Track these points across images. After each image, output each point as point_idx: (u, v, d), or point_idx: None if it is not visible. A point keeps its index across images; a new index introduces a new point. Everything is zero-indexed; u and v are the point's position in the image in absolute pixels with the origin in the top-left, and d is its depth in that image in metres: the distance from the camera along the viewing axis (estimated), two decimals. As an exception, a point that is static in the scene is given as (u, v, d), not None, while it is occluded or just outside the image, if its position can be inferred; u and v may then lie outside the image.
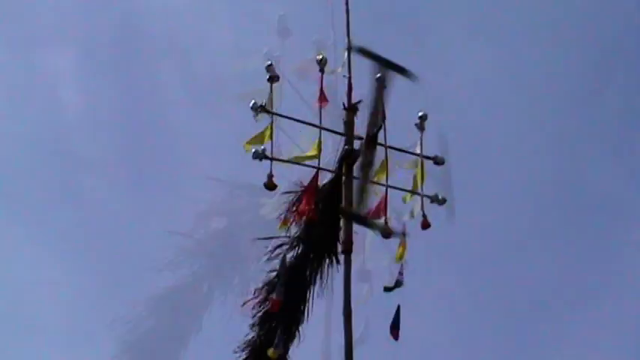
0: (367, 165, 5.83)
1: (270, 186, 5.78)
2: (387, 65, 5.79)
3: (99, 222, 18.08)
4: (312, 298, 5.78)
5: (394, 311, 5.63)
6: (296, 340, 5.77)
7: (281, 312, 5.70)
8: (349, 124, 6.07)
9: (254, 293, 5.76)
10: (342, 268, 5.67)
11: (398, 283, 5.77)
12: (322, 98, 6.04)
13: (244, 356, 5.78)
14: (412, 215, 6.02)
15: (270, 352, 5.46)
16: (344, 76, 6.09)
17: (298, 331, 5.78)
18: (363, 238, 5.83)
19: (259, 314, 5.73)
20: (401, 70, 5.86)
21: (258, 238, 5.82)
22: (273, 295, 5.69)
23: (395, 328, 5.61)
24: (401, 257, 5.86)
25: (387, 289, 5.79)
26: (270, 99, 5.84)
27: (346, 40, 6.15)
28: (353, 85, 6.11)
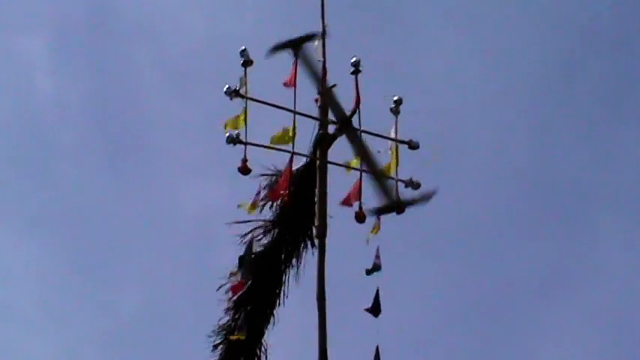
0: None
1: (245, 170, 5.79)
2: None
3: (72, 206, 17.96)
4: (287, 282, 5.82)
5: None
6: (270, 323, 5.82)
7: (254, 295, 5.75)
8: (323, 109, 6.08)
9: (228, 277, 5.77)
10: (316, 251, 5.70)
11: (375, 267, 5.81)
12: (291, 80, 6.01)
13: (218, 340, 5.83)
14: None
15: (235, 336, 5.52)
16: (318, 60, 6.07)
17: (273, 314, 5.82)
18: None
19: (233, 299, 5.76)
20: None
21: (234, 222, 5.83)
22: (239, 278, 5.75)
23: (375, 310, 5.67)
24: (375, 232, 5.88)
25: (368, 272, 5.81)
26: (244, 83, 5.85)
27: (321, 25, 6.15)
28: (327, 70, 6.09)
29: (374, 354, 5.53)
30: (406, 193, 6.12)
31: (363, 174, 5.98)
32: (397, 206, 5.82)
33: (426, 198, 5.91)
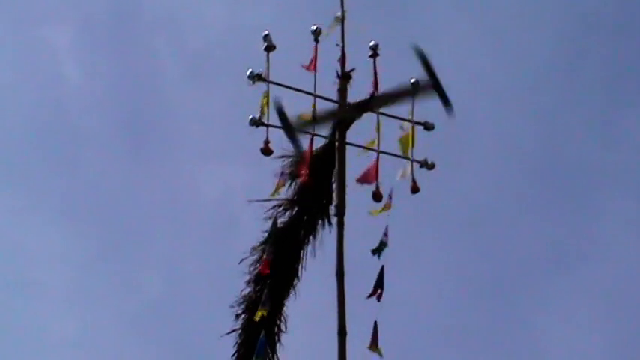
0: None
1: (267, 151, 6.06)
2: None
3: (98, 191, 18.75)
4: (306, 258, 6.07)
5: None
6: (290, 296, 6.08)
7: (274, 270, 6.01)
8: (342, 92, 6.30)
9: (250, 252, 6.04)
10: (334, 230, 5.95)
11: (382, 244, 6.00)
12: (312, 65, 6.25)
13: (240, 310, 6.10)
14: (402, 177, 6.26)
15: (258, 313, 5.76)
16: (337, 45, 6.28)
17: (293, 288, 6.09)
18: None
19: (255, 271, 6.02)
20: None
21: (255, 200, 6.08)
22: (264, 255, 6.02)
23: (378, 289, 5.87)
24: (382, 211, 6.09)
25: (374, 251, 6.01)
26: (267, 68, 6.09)
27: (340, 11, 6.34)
28: (346, 55, 6.29)
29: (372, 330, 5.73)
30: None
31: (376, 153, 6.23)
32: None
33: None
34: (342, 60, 6.29)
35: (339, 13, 6.20)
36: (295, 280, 6.01)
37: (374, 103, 6.05)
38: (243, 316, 6.08)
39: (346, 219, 5.91)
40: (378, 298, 5.79)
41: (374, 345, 5.58)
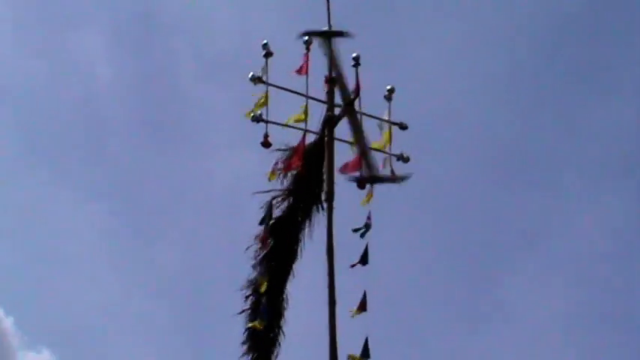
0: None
1: (266, 144, 6.93)
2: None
3: (125, 175, 22.49)
4: (304, 240, 6.96)
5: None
6: (290, 276, 6.96)
7: (276, 253, 6.88)
8: (330, 94, 7.19)
9: (255, 238, 6.90)
10: (325, 213, 6.85)
11: (367, 226, 6.93)
12: (303, 69, 7.13)
13: (248, 292, 6.95)
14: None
15: (260, 287, 6.64)
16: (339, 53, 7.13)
17: (292, 268, 6.96)
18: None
19: (259, 256, 6.89)
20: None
21: (259, 192, 6.96)
22: (262, 234, 6.89)
23: (363, 262, 6.80)
24: (367, 201, 7.03)
25: (355, 230, 6.91)
26: (265, 71, 6.95)
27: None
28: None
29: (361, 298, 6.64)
30: (388, 170, 7.31)
31: (359, 149, 7.13)
32: (374, 180, 7.02)
33: (399, 179, 7.13)
34: (330, 66, 7.16)
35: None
36: (296, 260, 6.89)
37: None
38: (251, 297, 6.93)
39: (335, 204, 6.82)
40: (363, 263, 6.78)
41: (361, 309, 6.53)
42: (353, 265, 6.77)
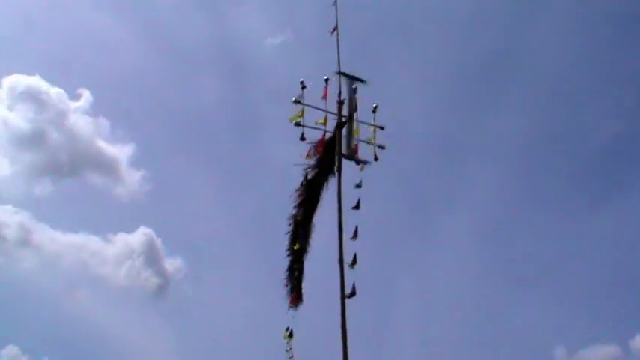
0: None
1: (302, 139, 11.97)
2: None
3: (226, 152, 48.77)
4: (324, 192, 12.06)
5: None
6: (315, 213, 12.03)
7: (307, 199, 11.96)
8: (339, 111, 12.27)
9: (296, 191, 12.01)
10: (336, 177, 11.91)
11: (359, 185, 12.03)
12: (325, 94, 12.21)
13: (290, 224, 12.06)
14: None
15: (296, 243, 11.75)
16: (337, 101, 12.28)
17: (316, 209, 12.03)
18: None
19: (298, 201, 11.98)
20: None
21: (297, 165, 12.05)
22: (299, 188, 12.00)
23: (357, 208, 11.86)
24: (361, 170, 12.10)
25: (357, 186, 12.03)
26: (302, 96, 11.98)
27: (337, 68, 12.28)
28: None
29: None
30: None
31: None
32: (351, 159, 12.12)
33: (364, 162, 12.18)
34: (339, 92, 12.24)
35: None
36: (320, 201, 11.98)
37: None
38: (291, 226, 12.08)
39: (343, 173, 11.90)
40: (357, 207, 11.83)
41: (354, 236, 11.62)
42: (354, 207, 11.87)
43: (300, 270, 12.03)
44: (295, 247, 11.90)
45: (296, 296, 12.11)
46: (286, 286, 12.26)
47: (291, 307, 12.16)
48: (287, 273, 12.26)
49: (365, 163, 12.12)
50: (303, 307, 12.20)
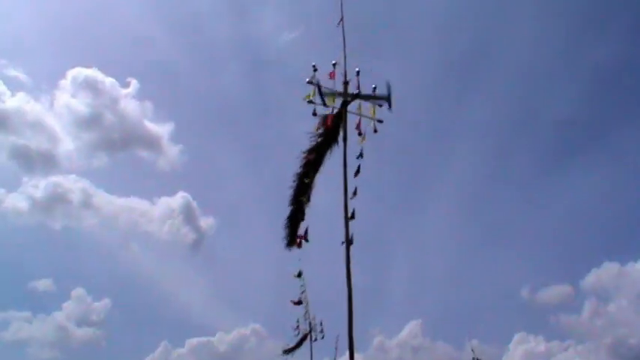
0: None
1: (315, 114, 14.42)
2: None
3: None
4: (329, 155, 14.52)
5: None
6: (319, 173, 14.47)
7: (315, 163, 14.43)
8: (345, 90, 14.67)
9: (304, 151, 14.53)
10: (342, 145, 14.37)
11: (361, 155, 14.49)
12: (332, 75, 14.61)
13: (295, 181, 14.59)
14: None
15: (306, 180, 14.25)
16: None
17: (320, 171, 14.51)
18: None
19: (305, 161, 14.48)
20: None
21: (309, 133, 14.53)
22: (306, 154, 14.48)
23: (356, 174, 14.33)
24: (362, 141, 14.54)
25: (359, 156, 14.49)
26: (314, 77, 14.37)
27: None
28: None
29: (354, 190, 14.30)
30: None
31: None
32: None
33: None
34: (344, 72, 14.64)
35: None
36: (323, 164, 14.44)
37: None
38: (295, 182, 14.64)
39: (348, 142, 14.35)
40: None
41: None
42: (356, 174, 14.31)
43: (300, 219, 14.60)
44: (302, 199, 14.45)
45: (293, 240, 14.99)
46: (285, 229, 15.08)
47: (287, 247, 14.96)
48: (287, 220, 15.03)
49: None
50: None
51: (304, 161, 14.53)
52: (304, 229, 14.31)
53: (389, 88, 14.48)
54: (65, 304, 67.37)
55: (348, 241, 13.49)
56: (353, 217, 13.74)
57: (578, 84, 78.67)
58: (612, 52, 77.58)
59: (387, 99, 14.48)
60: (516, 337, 60.26)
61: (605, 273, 65.63)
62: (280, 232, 14.95)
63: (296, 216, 14.73)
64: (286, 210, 14.82)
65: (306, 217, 14.63)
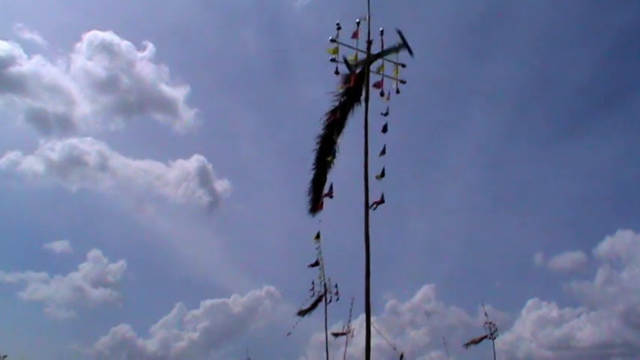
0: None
1: (336, 73, 14.29)
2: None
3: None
4: (352, 114, 14.48)
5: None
6: (342, 135, 14.44)
7: (338, 123, 14.37)
8: (368, 49, 14.51)
9: (326, 114, 14.48)
10: (363, 106, 14.29)
11: (387, 113, 14.42)
12: (357, 35, 14.43)
13: (319, 143, 14.55)
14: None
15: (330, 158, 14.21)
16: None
17: (342, 132, 14.46)
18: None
19: (329, 121, 14.44)
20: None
21: (331, 92, 14.46)
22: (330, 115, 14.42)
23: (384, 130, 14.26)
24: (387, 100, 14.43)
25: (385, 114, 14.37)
26: (337, 36, 14.23)
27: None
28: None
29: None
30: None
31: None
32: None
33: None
34: (368, 36, 14.47)
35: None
36: (347, 122, 14.40)
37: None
38: (319, 144, 14.61)
39: (370, 102, 14.27)
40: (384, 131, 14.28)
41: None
42: (384, 130, 14.21)
43: (324, 181, 14.55)
44: (328, 159, 14.38)
45: (317, 204, 14.76)
46: (309, 194, 14.85)
47: (311, 212, 14.78)
48: (311, 184, 14.82)
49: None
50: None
51: (328, 122, 14.46)
52: (329, 187, 14.25)
53: (401, 35, 14.25)
54: (81, 266, 69.38)
55: (367, 203, 13.45)
56: (383, 174, 13.77)
57: (599, 47, 77.97)
58: (636, 17, 76.80)
59: (406, 46, 14.33)
60: (529, 302, 61.01)
61: (618, 240, 66.05)
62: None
63: (320, 178, 14.69)
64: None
65: (327, 178, 14.62)
